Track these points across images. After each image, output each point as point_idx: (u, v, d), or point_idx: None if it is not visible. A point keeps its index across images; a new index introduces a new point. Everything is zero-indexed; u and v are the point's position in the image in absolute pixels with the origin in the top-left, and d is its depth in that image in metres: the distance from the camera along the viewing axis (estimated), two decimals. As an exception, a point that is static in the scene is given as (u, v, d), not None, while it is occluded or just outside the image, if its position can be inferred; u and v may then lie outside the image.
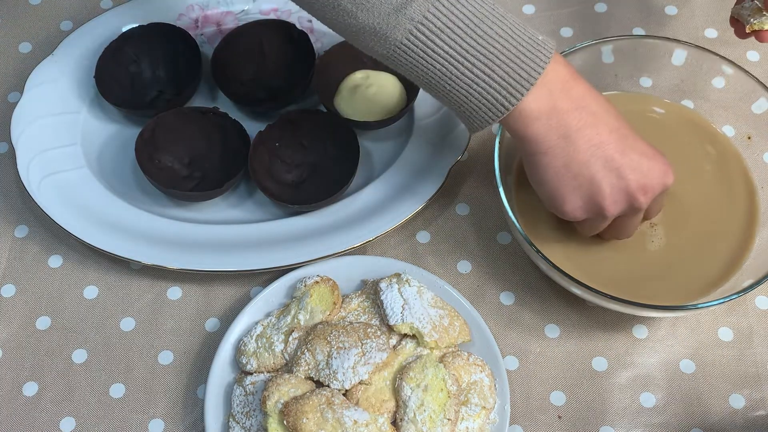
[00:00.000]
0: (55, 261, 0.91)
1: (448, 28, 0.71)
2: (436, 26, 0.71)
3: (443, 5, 0.70)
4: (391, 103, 0.94)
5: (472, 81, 0.72)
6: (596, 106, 0.75)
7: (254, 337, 0.82)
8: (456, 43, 0.71)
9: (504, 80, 0.72)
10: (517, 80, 0.72)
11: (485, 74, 0.72)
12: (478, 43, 0.71)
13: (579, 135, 0.74)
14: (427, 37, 0.71)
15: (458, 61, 0.72)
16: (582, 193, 0.76)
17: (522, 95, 0.72)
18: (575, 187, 0.76)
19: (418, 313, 0.81)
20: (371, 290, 0.85)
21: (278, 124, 0.92)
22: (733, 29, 0.87)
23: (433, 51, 0.71)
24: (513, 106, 0.73)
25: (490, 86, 0.72)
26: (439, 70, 0.72)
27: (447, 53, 0.71)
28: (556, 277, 0.80)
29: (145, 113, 0.94)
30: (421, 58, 0.72)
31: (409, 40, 0.71)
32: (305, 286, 0.84)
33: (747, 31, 0.85)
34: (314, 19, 0.77)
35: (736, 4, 0.86)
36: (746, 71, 0.87)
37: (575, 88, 0.74)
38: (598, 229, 0.80)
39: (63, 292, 0.89)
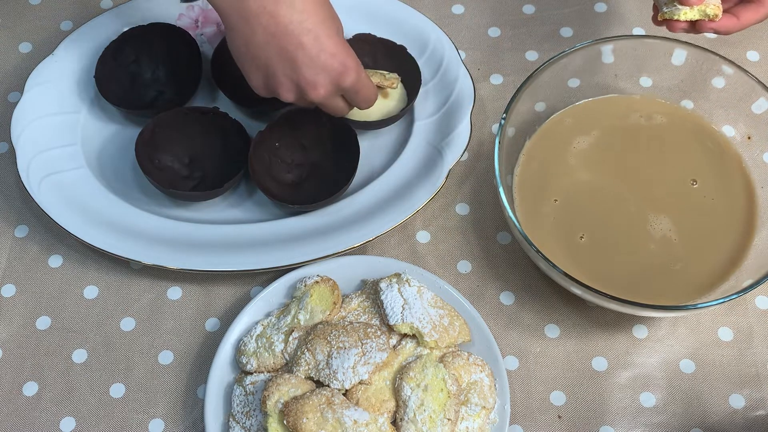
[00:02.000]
0: (55, 261, 0.91)
1: None
2: None
3: None
4: (391, 103, 0.94)
5: None
6: None
7: (254, 337, 0.82)
8: None
9: None
10: None
11: None
12: None
13: (257, 21, 0.77)
14: None
15: None
16: (261, 75, 0.80)
17: None
18: (256, 68, 0.80)
19: (418, 313, 0.81)
20: (371, 290, 0.85)
21: (278, 124, 0.92)
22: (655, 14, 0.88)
23: None
24: None
25: None
26: None
27: None
28: (556, 277, 0.80)
29: (145, 113, 0.94)
30: None
31: None
32: (305, 286, 0.84)
33: (659, 18, 0.86)
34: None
35: None
36: (746, 71, 0.87)
37: None
38: (303, 106, 0.85)
39: (63, 292, 0.89)
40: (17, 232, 0.93)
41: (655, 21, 0.87)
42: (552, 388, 0.83)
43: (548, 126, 0.91)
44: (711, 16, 0.84)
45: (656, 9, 0.87)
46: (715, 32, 0.85)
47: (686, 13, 0.84)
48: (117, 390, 0.84)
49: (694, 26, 0.85)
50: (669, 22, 0.85)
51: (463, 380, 0.79)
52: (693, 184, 0.88)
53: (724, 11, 0.85)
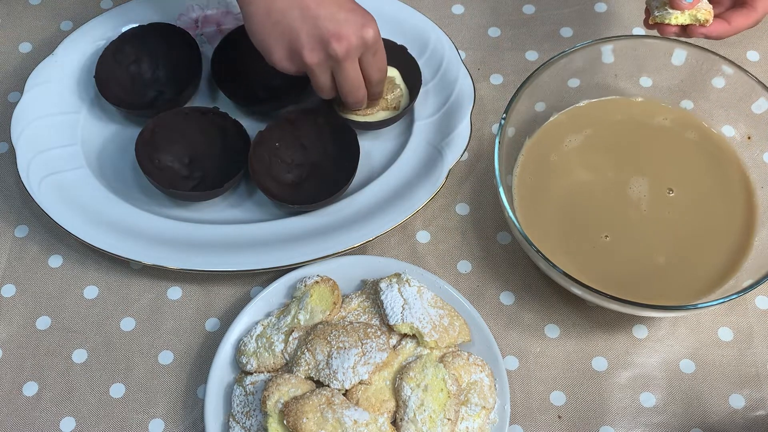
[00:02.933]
0: (55, 261, 0.91)
1: None
2: None
3: None
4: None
5: None
6: None
7: (254, 337, 0.82)
8: None
9: None
10: None
11: None
12: None
13: None
14: None
15: None
16: (284, 42, 0.81)
17: None
18: (278, 37, 0.81)
19: (418, 313, 0.81)
20: (371, 290, 0.85)
21: (278, 124, 0.92)
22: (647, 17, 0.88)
23: None
24: None
25: None
26: None
27: None
28: (556, 277, 0.80)
29: (145, 113, 0.94)
30: None
31: None
32: (305, 286, 0.84)
33: (650, 22, 0.86)
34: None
35: None
36: (746, 71, 0.87)
37: None
38: (322, 84, 0.85)
39: (63, 292, 0.89)
40: (17, 232, 0.93)
41: (647, 24, 0.87)
42: (552, 388, 0.83)
43: (548, 126, 0.91)
44: (702, 21, 0.84)
45: (648, 12, 0.87)
46: (706, 37, 0.85)
47: (677, 18, 0.84)
48: (117, 390, 0.84)
49: (685, 30, 0.85)
50: (660, 26, 0.86)
51: (463, 380, 0.79)
52: (692, 185, 0.88)
53: (716, 16, 0.85)
